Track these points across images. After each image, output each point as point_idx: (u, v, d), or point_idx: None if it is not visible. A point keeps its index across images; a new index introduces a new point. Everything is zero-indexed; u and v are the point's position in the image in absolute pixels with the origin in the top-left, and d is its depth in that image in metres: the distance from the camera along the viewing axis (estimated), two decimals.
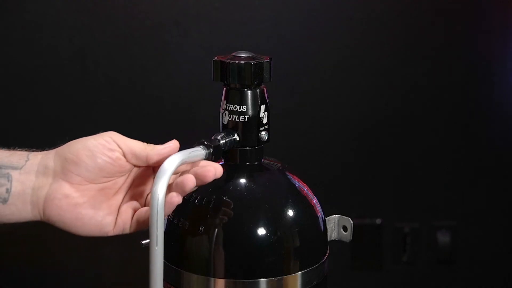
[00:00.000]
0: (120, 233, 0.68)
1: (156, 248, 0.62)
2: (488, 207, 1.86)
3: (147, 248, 0.73)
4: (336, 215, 0.77)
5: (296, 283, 0.69)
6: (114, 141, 0.66)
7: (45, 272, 1.82)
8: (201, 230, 0.67)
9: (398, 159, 1.83)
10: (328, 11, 1.75)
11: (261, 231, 0.67)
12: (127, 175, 0.69)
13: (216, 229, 0.67)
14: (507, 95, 1.80)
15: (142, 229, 0.68)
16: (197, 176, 0.66)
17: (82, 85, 1.72)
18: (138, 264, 1.75)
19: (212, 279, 0.67)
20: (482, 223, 1.86)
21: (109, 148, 0.66)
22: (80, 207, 0.66)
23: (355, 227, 0.76)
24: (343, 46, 1.76)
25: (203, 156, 0.67)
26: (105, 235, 0.68)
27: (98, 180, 0.67)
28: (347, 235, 0.76)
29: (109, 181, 0.67)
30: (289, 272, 0.68)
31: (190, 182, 0.65)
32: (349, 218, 0.76)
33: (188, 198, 0.70)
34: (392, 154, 1.82)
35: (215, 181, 0.69)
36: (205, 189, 0.70)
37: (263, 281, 0.67)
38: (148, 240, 0.72)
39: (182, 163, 0.65)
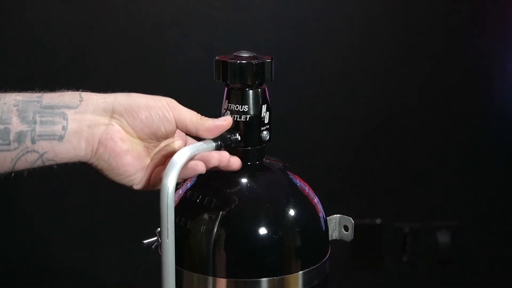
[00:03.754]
0: (141, 188, 0.71)
1: (167, 240, 0.63)
2: (488, 207, 1.86)
3: (148, 248, 0.73)
4: (337, 215, 0.77)
5: (297, 282, 0.69)
6: (170, 108, 0.69)
7: (45, 272, 1.82)
8: (202, 229, 0.67)
9: (398, 160, 1.83)
10: (328, 11, 1.75)
11: (263, 231, 0.67)
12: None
13: (218, 229, 0.67)
14: (507, 95, 1.80)
15: (158, 188, 0.69)
16: (202, 160, 0.68)
17: (81, 85, 1.71)
18: (138, 264, 1.75)
19: (214, 278, 0.67)
20: (482, 223, 1.86)
21: (165, 115, 0.69)
22: (129, 154, 0.68)
23: (355, 227, 0.76)
24: (344, 46, 1.77)
25: (213, 148, 0.69)
26: (131, 187, 0.70)
27: (145, 139, 0.69)
28: (348, 235, 0.76)
29: (152, 142, 0.70)
30: (291, 271, 0.68)
31: (214, 158, 0.68)
32: (350, 218, 0.76)
33: (189, 197, 0.70)
34: (392, 155, 1.83)
35: (217, 180, 0.69)
36: (206, 188, 0.70)
37: (264, 280, 0.67)
38: (149, 240, 0.73)
39: (192, 156, 0.66)
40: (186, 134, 0.72)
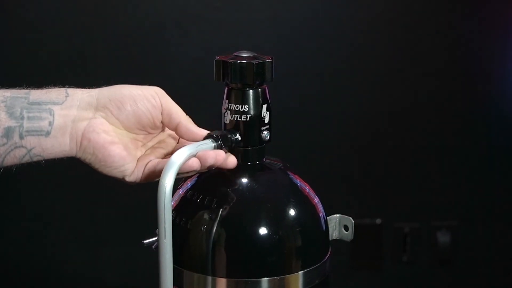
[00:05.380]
0: (133, 181, 0.71)
1: (165, 240, 0.63)
2: (488, 207, 1.86)
3: (148, 248, 0.73)
4: (337, 215, 0.77)
5: (298, 282, 0.69)
6: (158, 96, 0.70)
7: (45, 272, 1.82)
8: (203, 229, 0.67)
9: (399, 159, 1.83)
10: (328, 11, 1.75)
11: (263, 231, 0.67)
12: (155, 136, 0.73)
13: (218, 228, 0.67)
14: (507, 95, 1.80)
15: (150, 180, 0.70)
16: (199, 158, 0.68)
17: (81, 85, 1.72)
18: (138, 264, 1.75)
19: (214, 278, 0.67)
20: (482, 223, 1.86)
21: (152, 102, 0.69)
22: (114, 145, 0.68)
23: (355, 227, 0.76)
24: (344, 45, 1.77)
25: (212, 149, 0.69)
26: (123, 179, 0.70)
27: (132, 130, 0.70)
28: (348, 235, 0.76)
29: (140, 134, 0.71)
30: (291, 271, 0.68)
31: (210, 158, 0.68)
32: (350, 218, 0.76)
33: (190, 197, 0.70)
34: (392, 155, 1.83)
35: (217, 180, 0.69)
36: (207, 188, 0.70)
37: (264, 280, 0.67)
38: (149, 240, 0.73)
39: (191, 156, 0.66)
40: (167, 126, 0.72)
